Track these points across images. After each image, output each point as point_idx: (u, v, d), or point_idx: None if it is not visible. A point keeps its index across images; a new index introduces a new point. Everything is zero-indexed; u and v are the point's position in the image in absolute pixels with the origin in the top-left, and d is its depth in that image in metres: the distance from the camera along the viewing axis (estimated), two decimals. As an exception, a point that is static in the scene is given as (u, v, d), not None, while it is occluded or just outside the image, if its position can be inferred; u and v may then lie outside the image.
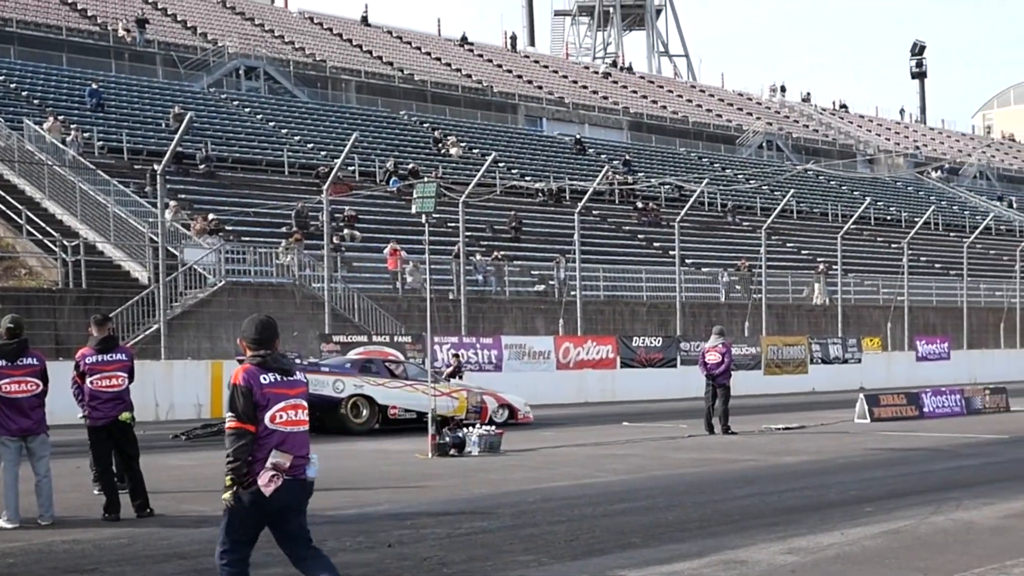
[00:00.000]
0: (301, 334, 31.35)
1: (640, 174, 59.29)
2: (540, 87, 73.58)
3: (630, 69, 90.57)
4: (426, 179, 38.67)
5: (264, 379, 7.19)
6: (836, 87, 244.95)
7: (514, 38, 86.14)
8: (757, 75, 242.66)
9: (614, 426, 25.73)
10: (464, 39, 79.74)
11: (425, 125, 58.61)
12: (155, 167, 32.24)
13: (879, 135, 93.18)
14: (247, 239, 36.29)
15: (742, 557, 9.90)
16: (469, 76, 70.29)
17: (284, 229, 38.12)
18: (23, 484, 11.82)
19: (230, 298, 31.10)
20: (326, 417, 23.48)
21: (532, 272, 42.13)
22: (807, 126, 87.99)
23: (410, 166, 48.74)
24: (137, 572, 9.66)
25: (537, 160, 58.25)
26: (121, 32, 55.36)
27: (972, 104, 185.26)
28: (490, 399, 25.43)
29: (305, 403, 7.39)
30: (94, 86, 46.81)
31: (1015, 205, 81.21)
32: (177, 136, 30.25)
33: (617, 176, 56.19)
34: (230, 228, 37.23)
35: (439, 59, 72.48)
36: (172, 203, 35.20)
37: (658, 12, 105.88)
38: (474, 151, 55.43)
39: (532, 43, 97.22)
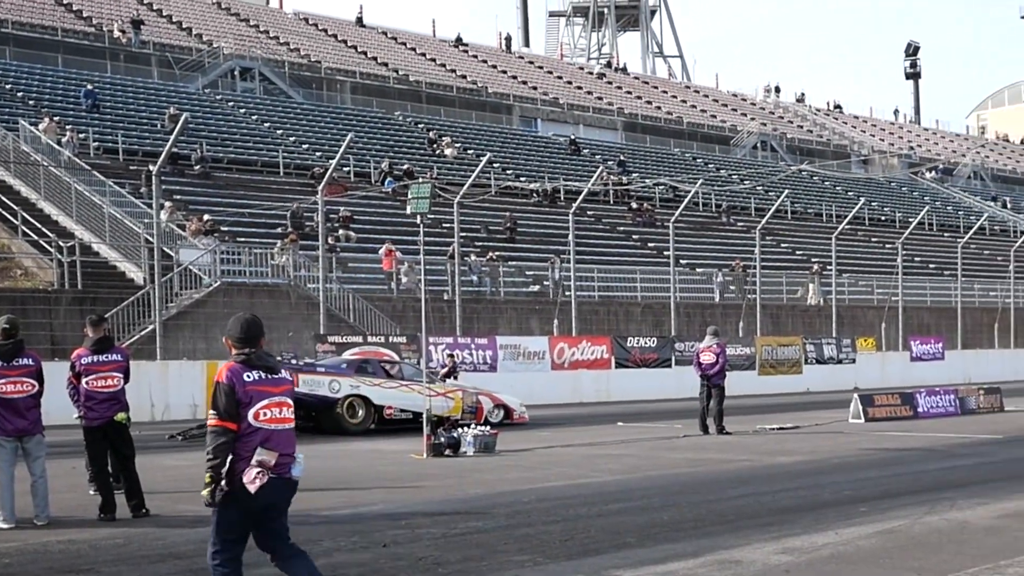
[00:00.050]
0: (296, 334, 31.36)
1: (635, 174, 59.35)
2: (535, 88, 73.60)
3: (624, 70, 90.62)
4: (421, 180, 38.76)
5: (248, 377, 7.21)
6: (830, 87, 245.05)
7: (509, 39, 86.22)
8: (751, 76, 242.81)
9: (609, 426, 25.74)
10: (459, 40, 79.77)
11: (420, 126, 58.62)
12: (150, 168, 32.22)
13: (873, 135, 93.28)
14: (242, 240, 36.30)
15: (737, 557, 9.92)
16: (464, 77, 70.31)
17: (279, 230, 38.13)
18: (19, 484, 11.83)
19: (225, 299, 31.09)
20: (322, 417, 23.52)
21: (527, 272, 42.16)
22: (801, 126, 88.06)
23: (405, 167, 48.77)
24: (133, 572, 9.67)
25: (532, 161, 58.29)
26: (116, 33, 55.37)
27: (966, 104, 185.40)
28: (486, 399, 25.46)
29: (290, 401, 7.40)
30: (89, 87, 46.81)
31: (1009, 205, 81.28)
32: (172, 137, 30.23)
33: (612, 177, 56.23)
34: (225, 229, 37.24)
35: (434, 60, 72.50)
36: (167, 204, 35.19)
37: (652, 13, 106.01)
38: (469, 152, 55.46)
39: (527, 44, 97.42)
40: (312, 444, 21.08)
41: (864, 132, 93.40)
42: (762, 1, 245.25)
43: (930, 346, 46.26)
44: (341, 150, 32.48)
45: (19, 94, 45.10)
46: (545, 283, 41.41)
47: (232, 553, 7.27)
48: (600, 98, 76.44)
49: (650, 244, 49.91)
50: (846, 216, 50.36)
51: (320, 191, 32.99)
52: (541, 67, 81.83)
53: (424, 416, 19.78)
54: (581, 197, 39.78)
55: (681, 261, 45.73)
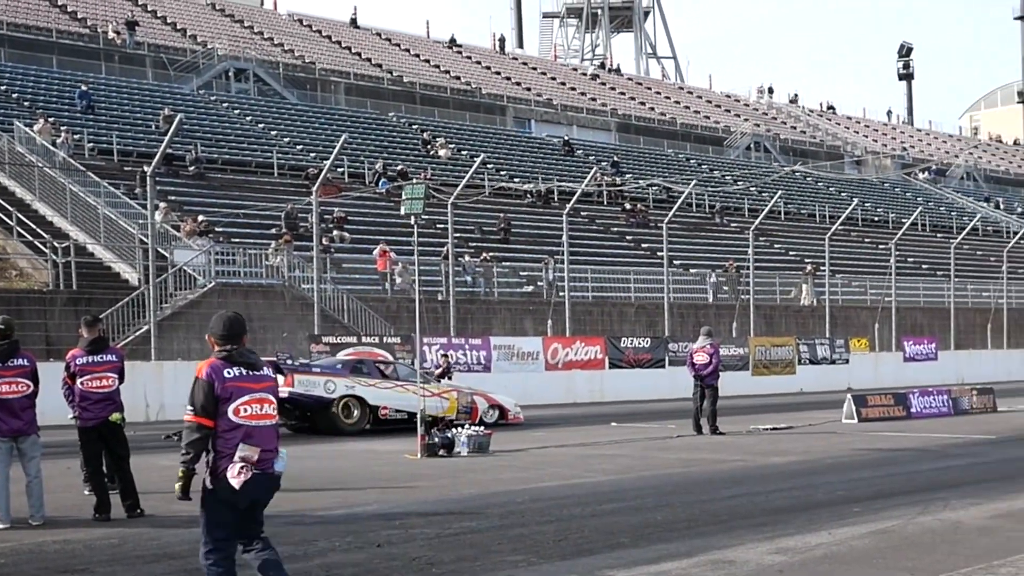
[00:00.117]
0: (290, 335, 31.40)
1: (628, 175, 59.39)
2: (528, 89, 73.61)
3: (618, 71, 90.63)
4: (415, 180, 38.85)
5: (228, 373, 7.27)
6: (824, 88, 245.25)
7: (502, 40, 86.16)
8: (745, 76, 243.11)
9: (603, 426, 25.78)
10: (453, 41, 79.78)
11: (414, 127, 58.62)
12: (145, 169, 32.23)
13: (867, 136, 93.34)
14: (237, 240, 36.31)
15: (730, 557, 9.94)
16: (458, 78, 70.33)
17: (274, 230, 38.12)
18: (14, 485, 11.85)
19: (220, 299, 31.08)
20: (317, 417, 23.57)
21: (521, 273, 42.19)
22: (795, 127, 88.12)
23: (399, 167, 48.78)
24: (127, 572, 9.70)
25: (525, 161, 58.31)
26: (111, 34, 55.32)
27: (959, 105, 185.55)
28: (480, 400, 25.49)
29: (272, 398, 7.45)
30: (84, 88, 46.76)
31: (1002, 206, 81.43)
32: (167, 138, 30.27)
33: (605, 177, 56.30)
34: (220, 229, 37.23)
35: (428, 61, 72.50)
36: (162, 204, 35.20)
37: (646, 14, 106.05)
38: (463, 153, 55.48)
39: (520, 45, 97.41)
40: (307, 444, 21.13)
41: (857, 133, 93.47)
42: (755, 2, 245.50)
43: (923, 346, 46.32)
44: (335, 151, 32.52)
45: (14, 95, 45.06)
46: (539, 284, 41.44)
47: (225, 552, 7.32)
48: (594, 99, 76.47)
49: (644, 245, 49.96)
50: (839, 217, 50.45)
51: (314, 192, 33.00)
52: (535, 68, 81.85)
53: (418, 416, 19.80)
54: (575, 198, 39.83)
55: (675, 262, 45.79)
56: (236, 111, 52.23)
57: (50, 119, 41.85)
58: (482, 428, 20.64)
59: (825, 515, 12.12)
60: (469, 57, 77.72)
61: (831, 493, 14.12)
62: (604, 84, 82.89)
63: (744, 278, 45.06)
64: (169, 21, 61.87)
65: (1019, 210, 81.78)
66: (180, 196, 39.70)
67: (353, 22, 75.36)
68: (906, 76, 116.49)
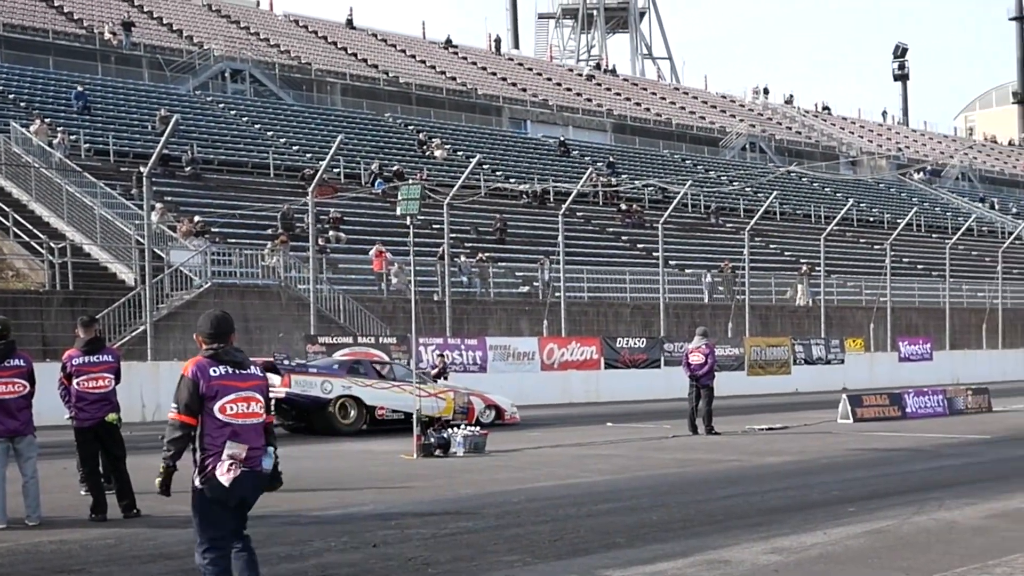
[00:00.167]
0: (286, 335, 31.40)
1: (624, 176, 59.42)
2: (524, 89, 73.62)
3: (614, 71, 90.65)
4: (411, 181, 38.84)
5: (214, 371, 7.31)
6: (819, 89, 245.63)
7: (498, 41, 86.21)
8: (740, 77, 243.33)
9: (598, 427, 25.78)
10: (449, 42, 79.78)
11: (410, 127, 58.62)
12: (141, 169, 32.19)
13: (862, 137, 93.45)
14: (233, 241, 36.32)
15: (726, 557, 9.96)
16: (454, 79, 70.33)
17: (270, 231, 38.11)
18: (10, 485, 11.85)
19: (216, 300, 31.07)
20: (314, 418, 23.59)
21: (516, 273, 42.19)
22: (790, 128, 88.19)
23: (395, 168, 48.79)
24: (124, 572, 9.70)
25: (521, 162, 58.32)
26: (107, 35, 55.29)
27: (954, 106, 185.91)
28: (477, 400, 25.50)
29: (260, 396, 7.45)
30: (80, 89, 46.72)
31: (997, 206, 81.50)
32: (163, 138, 30.26)
33: (601, 178, 56.30)
34: (216, 230, 37.21)
35: (424, 62, 72.50)
36: (158, 205, 35.19)
37: (641, 15, 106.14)
38: (459, 153, 55.49)
39: (516, 46, 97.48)
40: (304, 444, 21.14)
41: (852, 133, 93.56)
42: (751, 3, 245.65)
43: (918, 347, 46.38)
44: (331, 151, 32.52)
45: (10, 96, 45.02)
46: (535, 284, 41.45)
47: (222, 551, 7.34)
48: (589, 100, 76.49)
49: (639, 245, 49.99)
50: (835, 217, 50.50)
51: (310, 192, 32.99)
52: (531, 69, 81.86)
53: (414, 416, 19.82)
54: (570, 198, 39.86)
55: (670, 262, 45.82)
56: (232, 112, 52.21)
57: (46, 120, 41.83)
58: (478, 428, 20.67)
59: (820, 515, 12.14)
60: (465, 58, 77.73)
61: (826, 493, 14.14)
62: (600, 85, 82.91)
63: (740, 278, 45.09)
64: (165, 22, 61.85)
65: (1014, 210, 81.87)
66: (176, 197, 39.69)
67: (349, 23, 75.36)
68: (901, 77, 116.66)
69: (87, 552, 10.56)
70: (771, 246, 56.00)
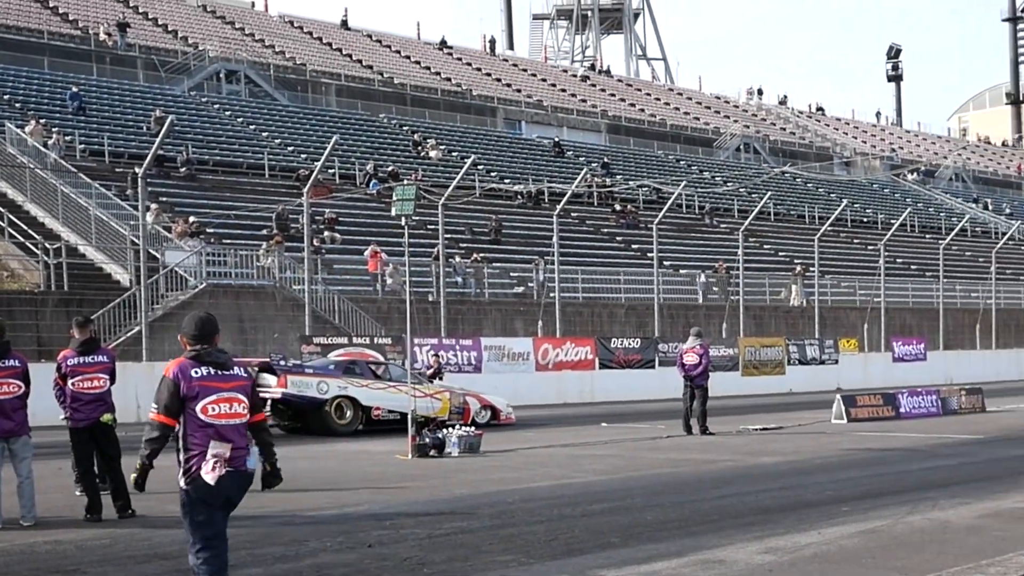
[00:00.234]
0: (281, 336, 31.40)
1: (618, 176, 59.44)
2: (519, 90, 73.65)
3: (608, 72, 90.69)
4: (406, 182, 38.79)
5: (196, 372, 7.36)
6: (813, 90, 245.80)
7: (493, 42, 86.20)
8: (734, 78, 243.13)
9: (593, 427, 25.81)
10: (443, 43, 79.77)
11: (405, 128, 58.62)
12: (136, 170, 32.17)
13: (856, 138, 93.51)
14: (228, 241, 36.31)
15: (720, 557, 9.97)
16: (448, 79, 70.35)
17: (265, 231, 38.12)
18: (5, 485, 11.84)
19: (211, 300, 31.06)
20: (310, 418, 23.60)
21: (511, 274, 42.20)
22: (784, 129, 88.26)
23: (390, 169, 48.78)
24: (119, 572, 9.71)
25: (516, 163, 58.34)
26: (102, 36, 55.25)
27: (948, 107, 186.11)
28: (473, 400, 25.53)
29: (243, 397, 7.46)
30: (75, 89, 46.70)
31: (990, 207, 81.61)
32: (158, 139, 30.25)
33: (595, 179, 56.29)
34: (211, 231, 37.22)
35: (418, 62, 72.51)
36: (153, 206, 35.17)
37: (636, 16, 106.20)
38: (453, 154, 55.49)
39: (511, 47, 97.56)
40: (300, 445, 21.14)
41: (846, 134, 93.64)
42: (745, 4, 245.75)
43: (912, 347, 46.45)
44: (326, 152, 32.51)
45: (5, 97, 44.98)
46: (529, 284, 41.46)
47: (216, 550, 7.33)
48: (584, 100, 76.54)
49: (634, 246, 50.00)
50: (828, 218, 50.50)
51: (305, 193, 33.00)
52: (525, 70, 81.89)
53: (409, 417, 19.83)
54: (565, 199, 39.85)
55: (665, 262, 45.83)
56: (227, 112, 52.19)
57: (41, 120, 41.82)
58: (473, 429, 20.68)
59: (814, 515, 12.16)
60: (459, 59, 77.74)
61: (820, 493, 14.16)
62: (594, 86, 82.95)
63: (734, 279, 45.14)
64: (160, 23, 61.82)
65: (1007, 211, 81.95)
66: (171, 197, 39.67)
67: (344, 24, 75.34)
68: (895, 77, 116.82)
69: (82, 552, 10.56)
70: (765, 247, 56.07)
